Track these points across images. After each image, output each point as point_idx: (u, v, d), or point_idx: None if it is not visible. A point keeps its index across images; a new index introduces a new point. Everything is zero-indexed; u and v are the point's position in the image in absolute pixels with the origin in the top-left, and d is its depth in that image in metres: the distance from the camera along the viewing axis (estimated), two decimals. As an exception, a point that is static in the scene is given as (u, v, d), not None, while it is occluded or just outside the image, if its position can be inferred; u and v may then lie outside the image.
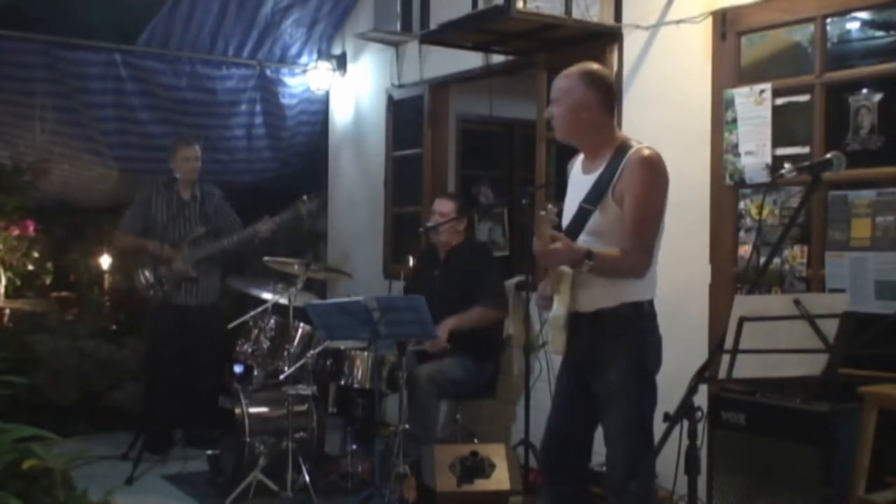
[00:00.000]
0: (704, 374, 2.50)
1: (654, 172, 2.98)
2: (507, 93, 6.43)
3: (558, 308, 3.08)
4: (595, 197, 3.02)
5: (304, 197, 5.54)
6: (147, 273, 5.47)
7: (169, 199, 5.54)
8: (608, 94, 3.11)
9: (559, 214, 2.99)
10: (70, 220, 6.90)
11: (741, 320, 2.40)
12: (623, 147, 3.03)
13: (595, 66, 3.19)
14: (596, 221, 3.02)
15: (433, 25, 5.35)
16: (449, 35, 5.03)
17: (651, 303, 3.06)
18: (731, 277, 4.15)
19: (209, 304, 5.63)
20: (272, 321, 4.94)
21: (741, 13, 4.13)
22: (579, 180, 3.14)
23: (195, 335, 5.52)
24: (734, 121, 4.10)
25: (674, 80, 4.43)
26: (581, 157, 3.21)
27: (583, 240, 3.04)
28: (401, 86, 6.39)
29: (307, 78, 7.01)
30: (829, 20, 3.89)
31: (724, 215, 4.18)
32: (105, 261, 6.70)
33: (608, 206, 2.99)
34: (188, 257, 5.48)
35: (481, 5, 4.77)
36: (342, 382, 4.71)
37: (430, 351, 4.81)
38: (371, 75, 6.75)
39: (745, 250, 4.10)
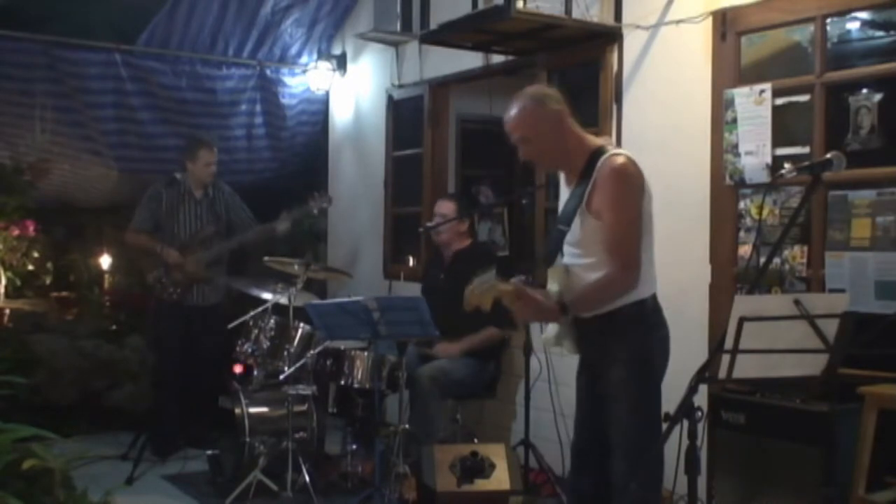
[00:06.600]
0: (704, 374, 2.50)
1: (624, 183, 2.95)
2: (507, 93, 6.34)
3: (550, 326, 3.12)
4: (569, 215, 3.03)
5: (315, 193, 5.57)
6: (160, 274, 5.46)
7: (180, 196, 5.56)
8: (566, 105, 3.09)
9: (498, 264, 3.04)
10: (70, 220, 6.91)
11: (741, 320, 2.41)
12: (594, 155, 3.00)
13: (534, 87, 3.16)
14: (576, 237, 3.03)
15: (433, 25, 5.35)
16: (449, 35, 5.03)
17: (654, 297, 3.06)
18: (731, 277, 4.15)
19: (216, 304, 5.64)
20: (272, 321, 4.93)
21: (741, 13, 4.13)
22: (564, 192, 3.16)
23: (200, 334, 5.53)
24: (734, 121, 4.10)
25: (674, 80, 4.43)
26: None
27: (567, 252, 3.08)
28: (401, 86, 6.39)
29: (307, 78, 7.01)
30: (829, 20, 3.88)
31: (724, 215, 4.18)
32: (105, 261, 6.70)
33: (586, 220, 2.99)
34: (201, 259, 5.49)
35: (481, 5, 4.77)
36: (342, 382, 4.71)
37: (437, 356, 4.79)
38: (371, 75, 6.75)
39: (745, 250, 4.10)
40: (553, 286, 3.05)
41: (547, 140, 3.04)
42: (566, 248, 3.08)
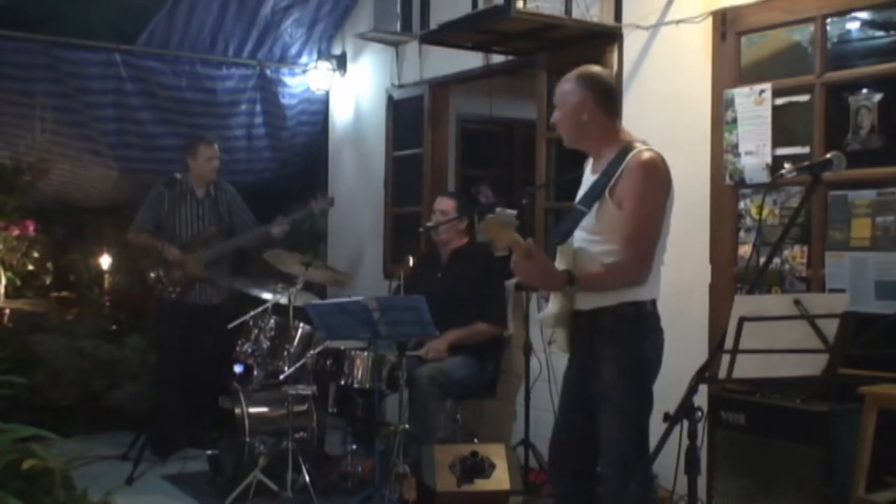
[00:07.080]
0: (704, 374, 2.50)
1: (651, 177, 2.96)
2: (507, 93, 6.43)
3: (551, 306, 3.09)
4: (591, 199, 3.03)
5: (318, 195, 5.59)
6: (160, 273, 5.46)
7: (182, 196, 5.55)
8: (606, 94, 3.11)
9: (519, 216, 3.01)
10: (70, 220, 6.91)
11: (741, 320, 2.41)
12: (625, 149, 3.02)
13: (594, 67, 3.21)
14: (592, 222, 3.02)
15: (433, 25, 5.35)
16: (449, 35, 5.03)
17: (653, 303, 3.05)
18: (731, 277, 4.15)
19: (219, 304, 5.63)
20: (272, 321, 4.93)
21: (741, 13, 4.13)
22: (587, 179, 3.17)
23: (201, 334, 5.53)
24: (734, 121, 4.10)
25: (674, 80, 4.43)
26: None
27: (579, 237, 3.06)
28: (401, 86, 6.39)
29: (307, 78, 7.01)
30: (829, 20, 3.88)
31: (724, 215, 4.18)
32: (105, 261, 6.70)
33: (606, 207, 2.98)
34: (201, 258, 5.48)
35: (481, 5, 4.77)
36: (342, 382, 4.71)
37: (426, 358, 4.79)
38: (371, 75, 6.75)
39: (745, 250, 4.10)
40: (560, 265, 3.03)
41: (569, 114, 3.11)
42: (579, 233, 3.07)
